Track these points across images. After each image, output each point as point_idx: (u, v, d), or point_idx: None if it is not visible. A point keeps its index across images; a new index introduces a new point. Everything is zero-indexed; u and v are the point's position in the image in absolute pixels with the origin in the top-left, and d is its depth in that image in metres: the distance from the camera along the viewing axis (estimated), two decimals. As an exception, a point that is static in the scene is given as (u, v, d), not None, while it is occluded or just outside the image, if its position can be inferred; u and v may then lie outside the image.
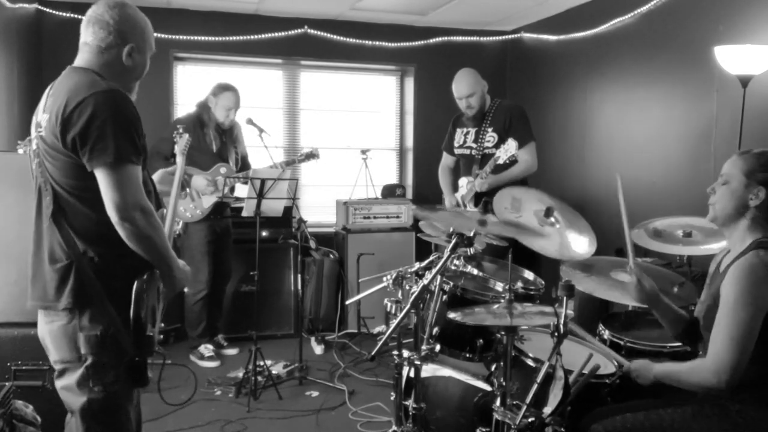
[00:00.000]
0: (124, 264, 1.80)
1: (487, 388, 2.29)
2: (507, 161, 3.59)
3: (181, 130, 3.34)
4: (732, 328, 1.87)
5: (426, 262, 2.76)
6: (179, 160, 2.80)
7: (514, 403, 2.04)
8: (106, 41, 1.86)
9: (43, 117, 1.83)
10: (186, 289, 4.34)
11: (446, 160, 4.30)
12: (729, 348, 1.86)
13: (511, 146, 3.51)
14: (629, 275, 2.21)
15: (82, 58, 1.89)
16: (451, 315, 2.15)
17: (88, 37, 1.87)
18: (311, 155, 4.32)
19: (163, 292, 1.95)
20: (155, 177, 2.31)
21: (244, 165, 4.42)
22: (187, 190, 4.13)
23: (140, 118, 1.82)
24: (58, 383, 1.88)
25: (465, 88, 3.90)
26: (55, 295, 1.80)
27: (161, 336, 2.04)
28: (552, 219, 2.63)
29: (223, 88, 4.23)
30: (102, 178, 1.74)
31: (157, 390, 2.93)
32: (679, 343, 2.48)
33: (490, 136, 3.90)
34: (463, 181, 4.03)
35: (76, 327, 1.80)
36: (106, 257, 1.81)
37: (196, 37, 5.25)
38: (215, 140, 4.25)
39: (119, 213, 1.73)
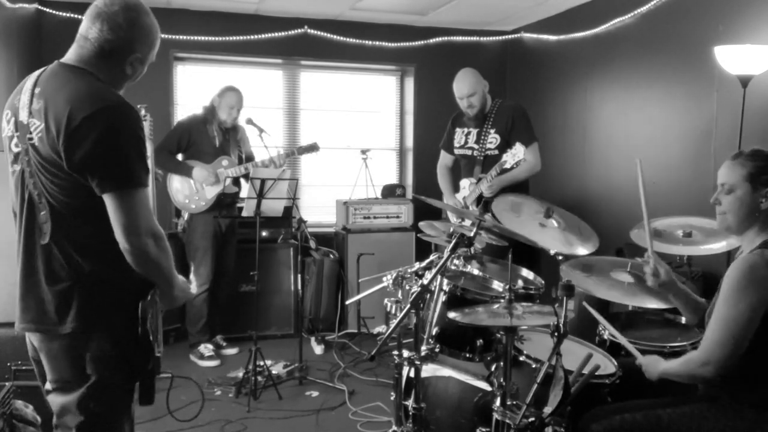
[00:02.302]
0: (133, 278, 1.69)
1: (487, 388, 2.29)
2: (514, 165, 3.57)
3: (143, 111, 3.04)
4: (725, 320, 1.89)
5: (426, 262, 2.76)
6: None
7: (514, 403, 2.04)
8: (111, 44, 1.67)
9: (31, 121, 1.63)
10: (193, 289, 4.33)
11: (444, 159, 4.28)
12: (718, 339, 1.89)
13: (519, 151, 3.46)
14: (648, 263, 2.27)
15: (77, 54, 1.69)
16: (451, 315, 2.15)
17: (93, 32, 1.66)
18: (311, 147, 4.42)
19: (160, 307, 1.87)
20: None
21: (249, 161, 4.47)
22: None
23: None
24: (55, 399, 1.75)
25: (466, 87, 3.88)
26: (56, 318, 1.67)
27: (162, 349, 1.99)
28: (553, 220, 2.63)
29: (227, 89, 4.39)
30: (112, 203, 1.60)
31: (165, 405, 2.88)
32: (680, 343, 2.48)
33: (493, 137, 3.88)
34: (465, 183, 4.02)
35: (81, 347, 1.68)
36: (114, 274, 1.68)
37: (196, 37, 5.25)
38: (218, 136, 4.35)
39: (131, 240, 1.61)
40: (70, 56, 1.71)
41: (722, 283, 1.95)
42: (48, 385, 1.78)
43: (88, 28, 1.68)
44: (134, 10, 1.70)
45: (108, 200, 1.61)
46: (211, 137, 4.33)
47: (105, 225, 1.63)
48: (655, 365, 2.11)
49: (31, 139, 1.64)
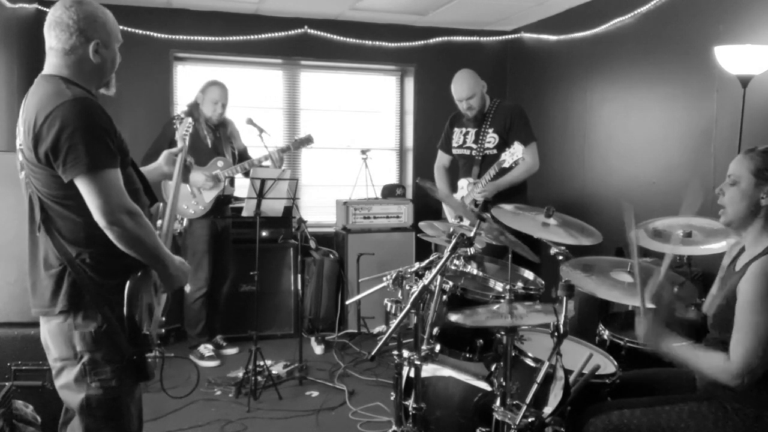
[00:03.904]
0: (119, 263, 1.83)
1: (487, 388, 2.29)
2: (513, 165, 3.57)
3: (182, 115, 3.19)
4: (757, 331, 1.83)
5: (426, 262, 2.75)
6: (180, 145, 2.68)
7: (514, 403, 2.04)
8: (69, 43, 1.84)
9: (20, 129, 1.85)
10: (187, 288, 4.34)
11: (442, 160, 4.28)
12: (755, 352, 1.83)
13: (517, 150, 3.46)
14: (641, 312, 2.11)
15: (50, 64, 1.88)
16: (453, 317, 2.15)
17: (52, 41, 1.85)
18: (306, 140, 4.39)
19: (161, 288, 1.97)
20: (160, 159, 2.33)
21: (243, 159, 4.45)
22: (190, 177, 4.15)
23: (111, 120, 1.82)
24: (57, 382, 1.91)
25: (465, 89, 3.87)
26: (50, 300, 1.84)
27: (163, 330, 2.05)
28: (552, 219, 2.62)
29: (210, 83, 4.32)
30: (82, 187, 1.75)
31: (159, 389, 2.90)
32: (679, 343, 2.47)
33: (491, 137, 3.88)
34: (463, 183, 4.01)
35: (71, 325, 1.83)
36: (99, 258, 1.83)
37: (196, 37, 5.25)
38: (209, 135, 4.30)
39: (106, 218, 1.75)
40: (46, 68, 1.89)
41: (742, 292, 1.89)
42: (53, 367, 1.92)
43: (48, 40, 1.86)
44: (72, 6, 1.85)
45: (79, 185, 1.76)
46: (202, 137, 4.24)
47: (87, 211, 1.77)
48: (660, 335, 1.99)
49: (20, 144, 1.85)
